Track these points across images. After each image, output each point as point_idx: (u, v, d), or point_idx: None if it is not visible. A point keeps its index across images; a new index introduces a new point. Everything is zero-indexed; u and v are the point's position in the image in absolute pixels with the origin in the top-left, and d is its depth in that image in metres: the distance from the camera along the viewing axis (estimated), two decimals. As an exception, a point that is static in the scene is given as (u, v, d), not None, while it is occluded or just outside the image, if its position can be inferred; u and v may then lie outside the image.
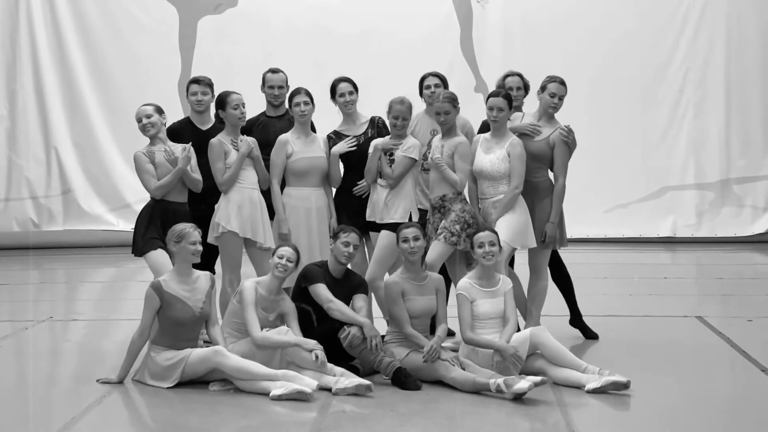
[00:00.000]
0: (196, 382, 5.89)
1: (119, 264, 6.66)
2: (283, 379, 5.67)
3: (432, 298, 6.17)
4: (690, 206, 13.46)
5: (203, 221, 6.57)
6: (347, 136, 6.99)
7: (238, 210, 6.67)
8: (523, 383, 5.47)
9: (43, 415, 5.57)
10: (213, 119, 7.11)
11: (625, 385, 5.65)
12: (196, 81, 7.12)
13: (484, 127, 6.99)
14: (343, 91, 6.91)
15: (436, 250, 6.45)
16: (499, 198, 6.57)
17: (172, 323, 5.90)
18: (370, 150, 6.78)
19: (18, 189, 13.37)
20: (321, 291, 6.11)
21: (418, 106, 7.14)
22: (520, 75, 7.17)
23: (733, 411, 5.59)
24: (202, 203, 6.87)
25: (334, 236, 6.27)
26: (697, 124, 13.44)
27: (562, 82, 6.81)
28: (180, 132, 7.07)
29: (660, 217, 13.46)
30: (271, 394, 5.56)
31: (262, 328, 5.97)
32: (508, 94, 6.70)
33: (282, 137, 6.84)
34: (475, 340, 5.96)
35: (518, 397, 5.49)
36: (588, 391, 5.63)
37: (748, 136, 13.44)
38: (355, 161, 6.93)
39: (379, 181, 6.79)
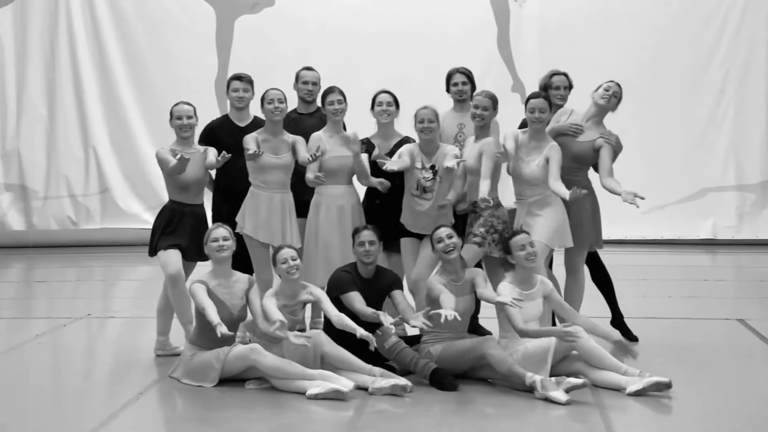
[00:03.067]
0: (232, 380, 5.91)
1: (155, 262, 6.68)
2: (320, 379, 5.68)
3: (470, 298, 6.14)
4: (730, 208, 13.33)
5: (228, 222, 6.53)
6: (374, 146, 6.95)
7: (254, 213, 6.72)
8: (561, 395, 5.44)
9: (80, 412, 5.60)
10: (251, 116, 7.13)
11: (667, 386, 5.59)
12: (238, 78, 7.10)
13: (522, 127, 6.95)
14: (381, 101, 6.86)
15: (466, 254, 6.40)
16: (537, 199, 6.53)
17: (210, 324, 5.91)
18: (399, 162, 6.58)
19: (57, 187, 13.52)
20: (353, 300, 6.10)
21: (446, 103, 7.11)
22: (565, 74, 7.12)
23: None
24: (225, 204, 6.97)
25: (352, 239, 6.28)
26: (737, 124, 13.31)
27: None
28: (218, 129, 7.09)
29: (700, 219, 13.34)
30: (307, 393, 5.55)
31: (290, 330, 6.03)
32: (548, 96, 6.68)
33: (315, 135, 6.84)
34: (531, 331, 5.89)
35: (549, 400, 5.47)
36: (629, 394, 5.57)
37: (791, 136, 13.35)
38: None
39: (413, 191, 6.68)
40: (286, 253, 6.12)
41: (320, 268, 6.69)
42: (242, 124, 7.07)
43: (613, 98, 6.78)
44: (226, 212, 6.86)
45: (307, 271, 6.61)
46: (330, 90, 6.90)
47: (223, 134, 6.98)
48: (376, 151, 6.83)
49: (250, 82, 7.10)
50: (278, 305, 6.05)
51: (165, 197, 6.86)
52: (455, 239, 6.13)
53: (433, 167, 6.60)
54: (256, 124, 7.02)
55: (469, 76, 7.07)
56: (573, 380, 5.50)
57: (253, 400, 5.65)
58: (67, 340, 7.54)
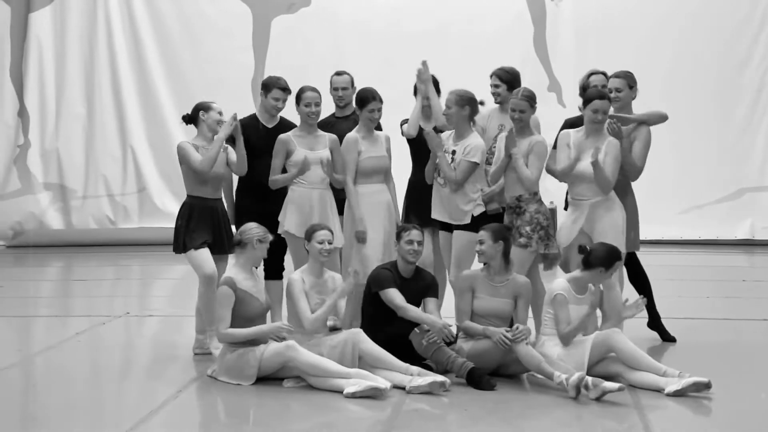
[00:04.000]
0: (270, 378, 5.93)
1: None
2: (356, 377, 5.68)
3: (507, 302, 6.11)
4: None
5: (268, 219, 6.60)
6: None
7: (297, 210, 6.78)
8: (593, 392, 5.45)
9: (119, 410, 5.66)
10: (279, 118, 7.20)
11: (707, 386, 5.56)
12: (282, 89, 7.13)
13: (567, 126, 6.94)
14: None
15: (516, 257, 6.35)
16: (599, 200, 6.50)
17: (245, 320, 5.95)
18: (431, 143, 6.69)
19: (95, 186, 13.67)
20: (393, 296, 6.13)
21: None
22: (603, 73, 7.12)
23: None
24: (265, 202, 6.99)
25: (397, 236, 6.30)
26: (775, 123, 13.25)
27: (617, 75, 6.89)
28: (245, 128, 7.07)
29: (737, 219, 13.28)
30: (345, 392, 5.56)
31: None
32: (610, 97, 6.69)
33: (351, 135, 6.87)
34: (570, 333, 5.91)
35: (580, 394, 5.47)
36: (668, 394, 5.54)
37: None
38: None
39: (438, 179, 6.74)
40: (325, 234, 6.19)
41: (355, 266, 6.70)
42: (270, 125, 7.14)
43: (618, 94, 6.75)
44: (249, 204, 7.02)
45: (345, 268, 6.67)
46: (372, 97, 6.90)
47: (251, 134, 7.02)
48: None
49: (290, 93, 7.17)
50: (307, 286, 6.12)
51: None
52: (486, 245, 6.07)
53: (453, 152, 6.66)
54: (283, 125, 7.11)
55: (502, 77, 7.03)
56: (608, 385, 5.47)
57: (292, 398, 5.66)
58: (106, 338, 7.62)
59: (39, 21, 13.66)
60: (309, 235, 6.24)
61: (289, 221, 6.80)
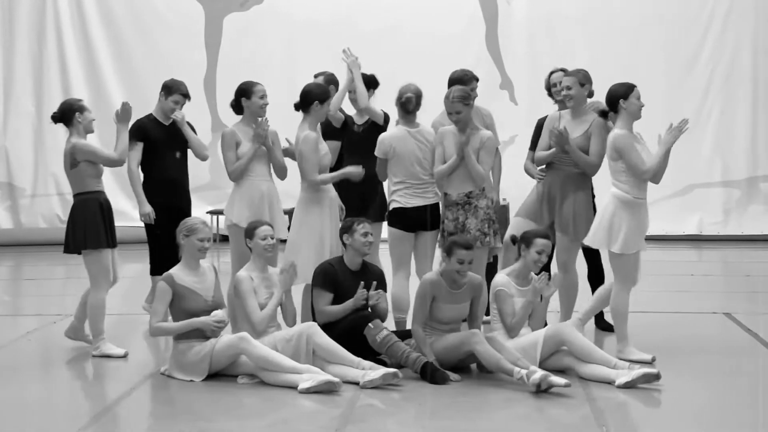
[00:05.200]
0: (222, 375, 5.96)
1: (142, 259, 6.81)
2: (308, 374, 5.71)
3: (466, 306, 6.18)
4: (716, 204, 13.49)
5: (175, 213, 7.13)
6: None
7: (246, 202, 6.88)
8: (547, 381, 5.54)
9: (72, 409, 5.65)
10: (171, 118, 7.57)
11: (657, 377, 5.68)
12: (184, 95, 7.57)
13: (539, 125, 7.15)
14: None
15: (478, 259, 6.42)
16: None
17: (185, 315, 5.99)
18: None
19: (44, 185, 13.56)
20: (319, 300, 6.28)
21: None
22: (564, 70, 7.22)
23: (764, 407, 5.57)
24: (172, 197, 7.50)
25: (348, 230, 6.34)
26: (723, 121, 13.47)
27: (568, 74, 6.95)
28: (150, 128, 7.53)
29: (686, 215, 13.48)
30: (299, 387, 5.59)
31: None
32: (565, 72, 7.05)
33: (311, 134, 6.89)
34: (516, 324, 6.07)
35: (540, 390, 5.54)
36: (619, 386, 5.65)
37: (776, 133, 13.49)
38: (359, 150, 7.12)
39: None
40: (266, 230, 6.28)
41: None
42: (167, 124, 7.61)
43: (569, 91, 6.81)
44: (155, 199, 7.48)
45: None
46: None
47: (156, 133, 7.55)
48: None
49: (189, 98, 7.74)
50: (255, 283, 6.19)
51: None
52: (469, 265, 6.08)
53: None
54: (174, 123, 7.58)
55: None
56: (556, 380, 5.56)
57: (245, 394, 5.70)
58: (57, 337, 7.54)
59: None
60: (250, 232, 6.30)
61: (238, 214, 6.84)
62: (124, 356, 6.62)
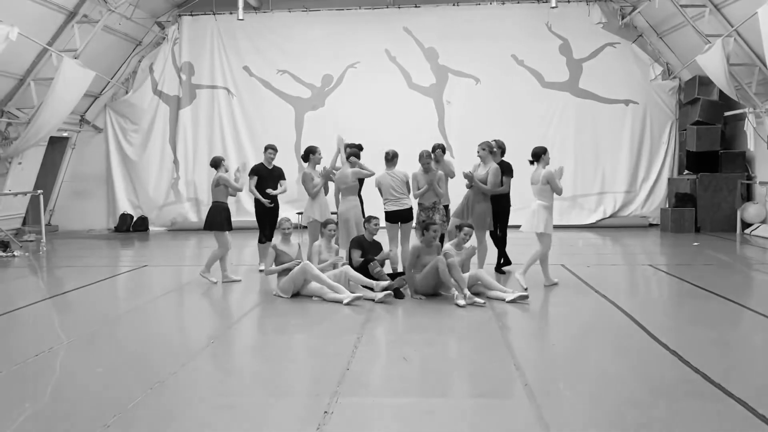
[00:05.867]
0: (302, 295, 5.94)
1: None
2: (345, 293, 5.72)
3: (433, 256, 6.09)
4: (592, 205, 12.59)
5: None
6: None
7: (317, 209, 6.94)
8: (471, 299, 5.58)
9: (225, 312, 5.50)
10: (273, 165, 7.47)
11: (526, 297, 5.74)
12: (273, 148, 7.57)
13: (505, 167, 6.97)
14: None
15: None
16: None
17: (282, 263, 6.07)
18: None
19: (207, 199, 12.87)
20: (353, 254, 6.39)
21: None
22: (485, 142, 7.07)
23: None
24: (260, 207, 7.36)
25: (368, 221, 6.52)
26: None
27: (481, 146, 6.87)
28: (259, 167, 7.51)
29: (577, 213, 12.53)
30: (344, 301, 5.71)
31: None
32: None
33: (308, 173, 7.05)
34: (454, 265, 5.88)
35: (467, 305, 5.49)
36: (507, 301, 5.77)
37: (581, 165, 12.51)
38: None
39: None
40: (333, 227, 6.35)
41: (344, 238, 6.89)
42: (270, 167, 7.62)
43: (483, 152, 6.74)
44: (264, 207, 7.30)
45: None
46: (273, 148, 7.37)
47: (262, 170, 7.52)
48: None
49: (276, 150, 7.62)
50: (322, 248, 6.16)
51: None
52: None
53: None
54: (276, 168, 7.57)
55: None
56: (478, 300, 5.68)
57: (312, 304, 5.67)
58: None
59: (185, 114, 13.45)
60: (324, 225, 6.43)
61: (313, 214, 7.05)
62: (215, 283, 6.58)
